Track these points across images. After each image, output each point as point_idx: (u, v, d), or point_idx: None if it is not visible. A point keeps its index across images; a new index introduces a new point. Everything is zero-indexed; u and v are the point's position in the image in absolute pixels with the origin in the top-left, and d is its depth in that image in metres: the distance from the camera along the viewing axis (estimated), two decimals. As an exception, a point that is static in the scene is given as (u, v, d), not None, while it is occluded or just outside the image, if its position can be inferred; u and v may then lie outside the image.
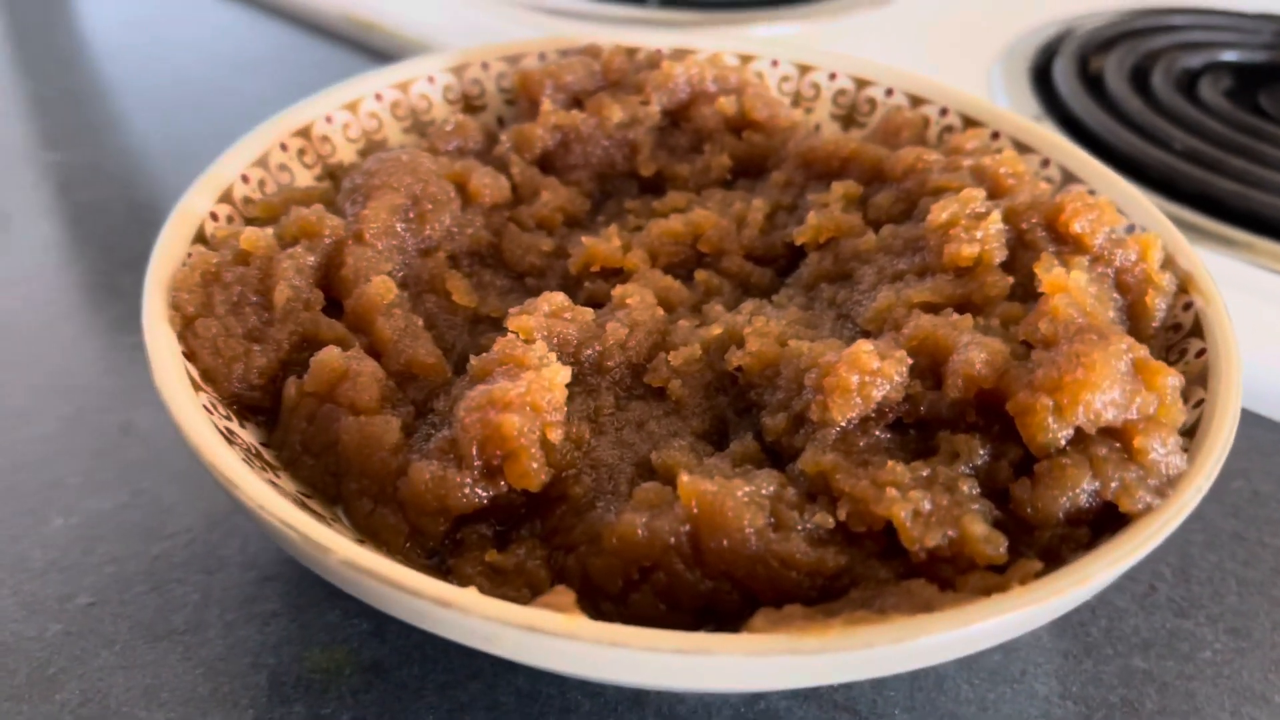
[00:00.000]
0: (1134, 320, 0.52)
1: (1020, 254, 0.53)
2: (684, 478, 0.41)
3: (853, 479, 0.42)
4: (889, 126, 0.68)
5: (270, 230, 0.52)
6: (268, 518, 0.39)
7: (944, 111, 0.69)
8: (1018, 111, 0.83)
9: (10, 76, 1.04)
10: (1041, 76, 1.00)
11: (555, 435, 0.43)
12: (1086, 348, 0.42)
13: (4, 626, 0.52)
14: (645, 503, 0.42)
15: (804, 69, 0.73)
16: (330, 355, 0.46)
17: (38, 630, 0.52)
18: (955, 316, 0.47)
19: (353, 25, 1.07)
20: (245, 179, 0.59)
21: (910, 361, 0.45)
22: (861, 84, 0.72)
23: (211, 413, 0.45)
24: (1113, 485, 0.41)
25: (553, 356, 0.46)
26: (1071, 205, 0.52)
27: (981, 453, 0.43)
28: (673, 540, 0.41)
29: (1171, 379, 0.43)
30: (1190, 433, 0.45)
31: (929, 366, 0.46)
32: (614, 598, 0.42)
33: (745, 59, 0.74)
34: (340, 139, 0.65)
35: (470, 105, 0.71)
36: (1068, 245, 0.52)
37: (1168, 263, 0.54)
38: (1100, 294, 0.51)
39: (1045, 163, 0.64)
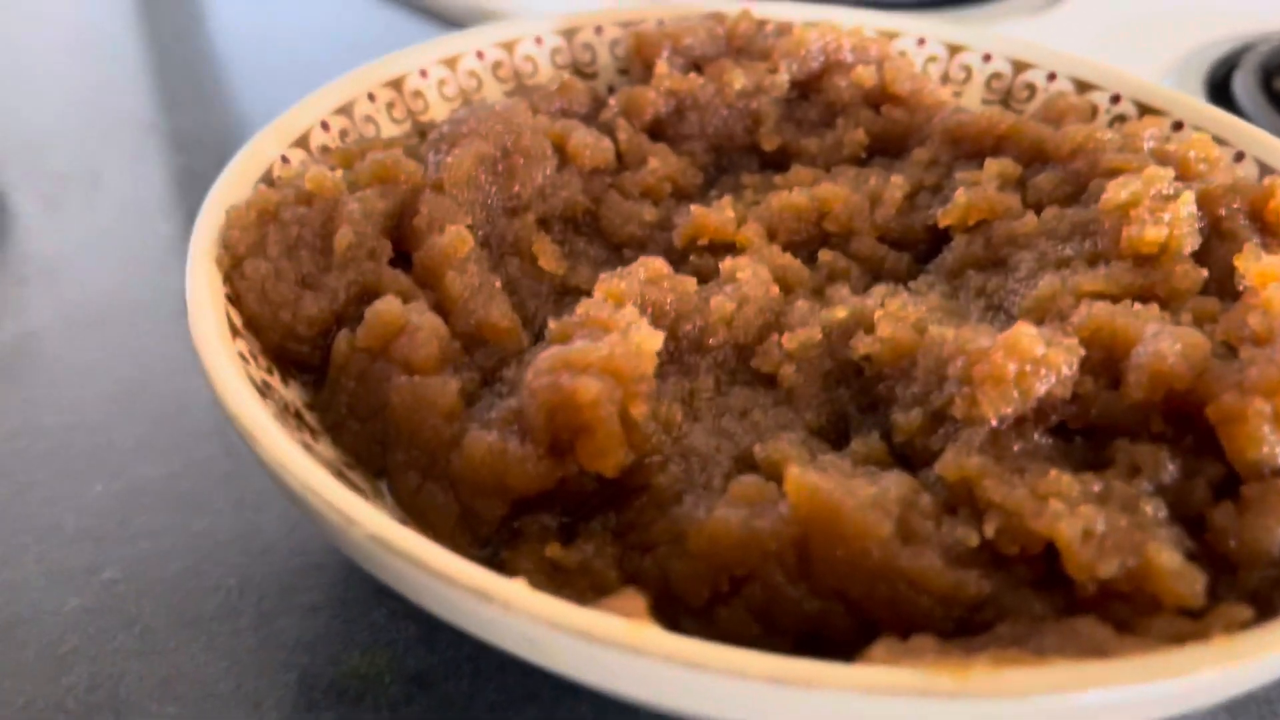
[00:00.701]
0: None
1: (1216, 245, 0.44)
2: (793, 470, 0.33)
3: (1005, 488, 0.33)
4: (1050, 113, 0.59)
5: (340, 172, 0.46)
6: (289, 480, 0.33)
7: (1115, 99, 0.60)
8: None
9: (131, 42, 1.02)
10: (1219, 91, 0.90)
11: (639, 410, 0.36)
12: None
13: (21, 596, 0.47)
14: (744, 498, 0.34)
15: (954, 49, 0.65)
16: (388, 305, 0.40)
17: (56, 604, 0.47)
18: (1138, 306, 0.39)
19: (477, 14, 1.02)
20: (325, 126, 0.53)
21: (1083, 352, 0.36)
22: (1020, 67, 0.63)
23: (248, 362, 0.39)
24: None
25: (644, 322, 0.38)
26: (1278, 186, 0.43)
27: (1170, 468, 0.34)
28: (775, 546, 0.33)
29: None
30: None
31: (1104, 361, 0.37)
32: (697, 612, 0.34)
33: (888, 35, 0.66)
34: (435, 95, 0.59)
35: (580, 72, 0.65)
36: (1274, 235, 0.43)
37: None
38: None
39: (1239, 156, 0.55)
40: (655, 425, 0.38)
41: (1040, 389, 0.35)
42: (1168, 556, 0.31)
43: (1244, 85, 0.88)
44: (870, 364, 0.41)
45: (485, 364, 0.42)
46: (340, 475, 0.36)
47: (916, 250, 0.51)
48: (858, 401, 0.42)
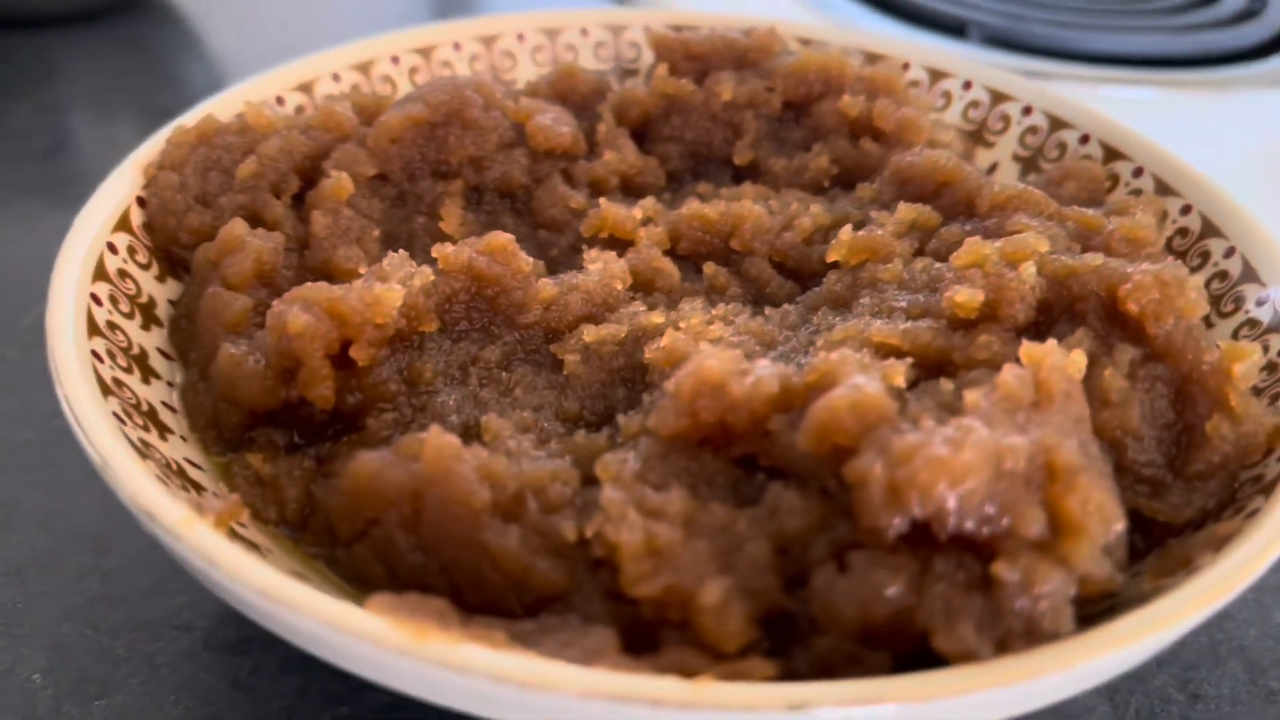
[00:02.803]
0: (1183, 448, 0.38)
1: (1061, 326, 0.40)
2: (434, 431, 0.35)
3: (621, 493, 0.33)
4: (1059, 171, 0.55)
5: (284, 112, 0.51)
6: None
7: (1138, 172, 0.55)
8: None
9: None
10: None
11: (361, 355, 0.39)
12: (972, 426, 0.31)
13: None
14: (405, 450, 0.36)
15: (998, 97, 0.61)
16: (233, 225, 0.45)
17: None
18: (887, 364, 0.37)
19: None
20: (336, 77, 0.59)
21: (773, 391, 0.35)
22: (1057, 124, 0.59)
23: (115, 251, 0.45)
24: (930, 610, 0.29)
25: (418, 284, 0.41)
26: (1138, 278, 0.39)
27: (800, 520, 0.33)
28: (394, 495, 0.35)
29: (1098, 509, 0.30)
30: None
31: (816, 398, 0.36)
32: (346, 544, 0.37)
33: (937, 75, 0.63)
34: (464, 68, 0.64)
35: (623, 69, 0.67)
36: (1121, 329, 0.39)
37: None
38: (1127, 398, 0.37)
39: (1230, 252, 0.49)
40: (397, 376, 0.41)
41: (707, 414, 0.35)
42: (713, 593, 0.30)
43: None
44: (649, 370, 0.42)
45: (322, 295, 0.46)
46: (136, 364, 0.42)
47: (814, 280, 0.50)
48: (628, 403, 0.42)
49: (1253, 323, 0.46)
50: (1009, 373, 0.34)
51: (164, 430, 0.40)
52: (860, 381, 0.34)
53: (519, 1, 1.12)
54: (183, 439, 0.41)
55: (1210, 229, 0.50)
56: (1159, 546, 0.37)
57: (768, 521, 0.33)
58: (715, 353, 0.36)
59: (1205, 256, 0.50)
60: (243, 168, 0.48)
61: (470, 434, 0.40)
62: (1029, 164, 0.60)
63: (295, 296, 0.39)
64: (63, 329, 0.39)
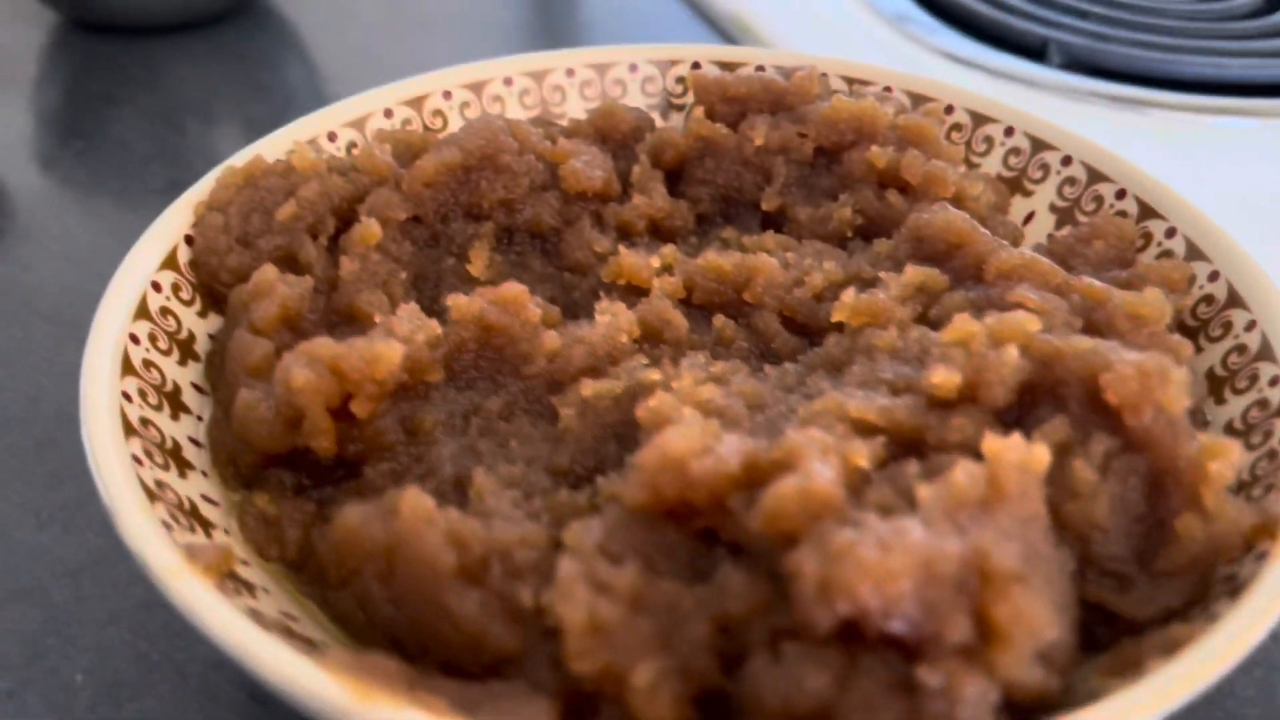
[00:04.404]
0: (1153, 544, 0.38)
1: (1043, 409, 0.41)
2: (411, 491, 0.37)
3: (577, 565, 0.35)
4: (1089, 228, 0.54)
5: (328, 156, 0.54)
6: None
7: (1171, 232, 0.54)
8: None
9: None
10: None
11: (361, 410, 0.41)
12: (909, 528, 0.32)
13: None
14: (388, 505, 0.39)
15: (1038, 144, 0.61)
16: (264, 271, 0.48)
17: None
18: (850, 445, 0.37)
19: (734, 20, 1.07)
20: (389, 113, 0.62)
21: (733, 470, 0.36)
22: (1095, 177, 0.58)
23: (159, 289, 0.49)
24: (850, 707, 0.31)
25: (421, 338, 0.43)
26: (1120, 368, 0.39)
27: (742, 604, 0.34)
28: (371, 549, 0.37)
29: (1024, 621, 0.31)
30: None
31: (775, 480, 0.37)
32: (334, 588, 0.40)
33: (980, 119, 0.63)
34: (514, 103, 0.66)
35: (669, 103, 0.68)
36: (1101, 416, 0.39)
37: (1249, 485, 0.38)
38: (1096, 490, 0.37)
39: (1251, 325, 0.48)
40: (397, 426, 0.43)
41: (668, 489, 0.36)
42: (644, 674, 0.32)
43: None
44: (640, 428, 0.43)
45: (339, 339, 0.49)
46: (169, 399, 0.46)
47: (819, 338, 0.50)
48: (618, 457, 0.44)
49: (1263, 403, 0.45)
50: (961, 470, 0.34)
51: (185, 466, 0.43)
52: (815, 469, 0.35)
53: (625, 24, 1.15)
54: (204, 474, 0.44)
55: (1235, 299, 0.49)
56: (1119, 641, 0.38)
57: (713, 601, 0.35)
58: (686, 426, 0.38)
59: (1227, 327, 0.49)
60: (281, 210, 0.51)
61: (460, 487, 0.42)
62: (1065, 215, 0.59)
63: (302, 351, 0.42)
64: (97, 370, 0.42)
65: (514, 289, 0.47)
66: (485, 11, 1.15)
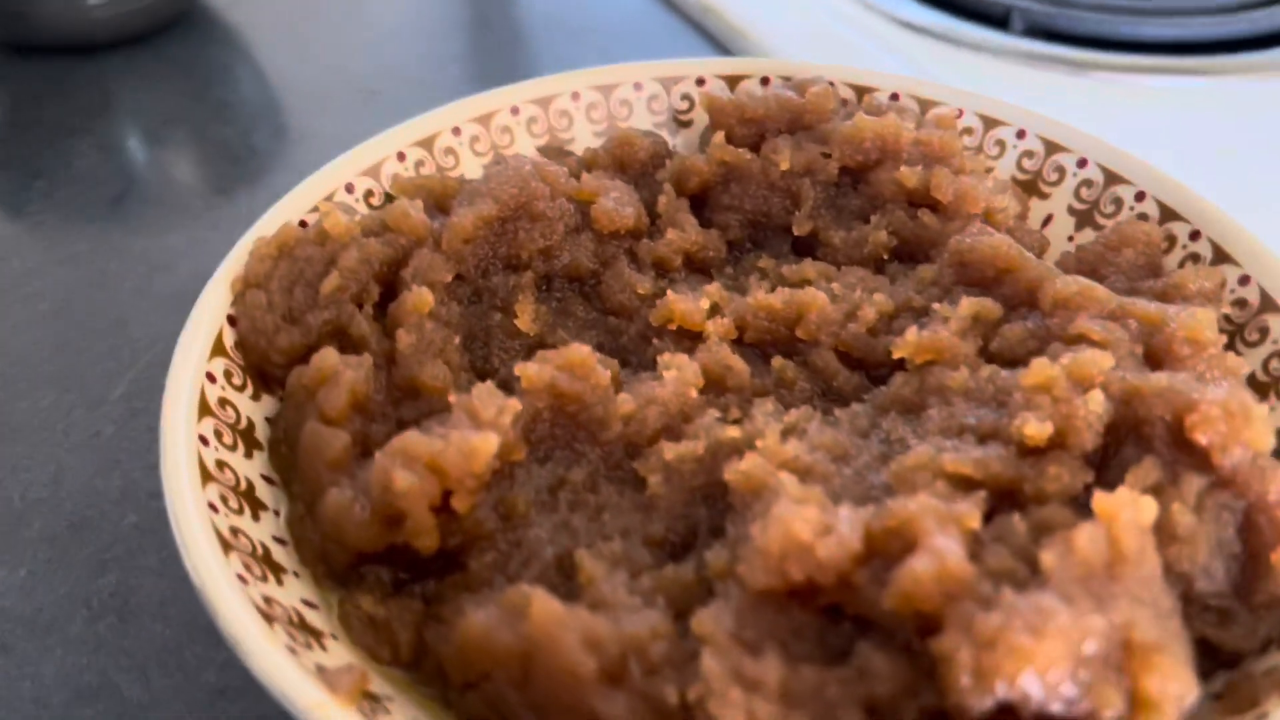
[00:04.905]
0: (1249, 577, 0.40)
1: (1128, 449, 0.42)
2: (539, 595, 0.37)
3: (719, 661, 0.36)
4: (1116, 236, 0.56)
5: (359, 218, 0.53)
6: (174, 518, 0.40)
7: (1195, 235, 0.55)
8: None
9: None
10: None
11: (462, 504, 0.41)
12: (1052, 608, 0.33)
13: None
14: (509, 604, 0.39)
15: (1051, 147, 0.62)
16: (326, 356, 0.47)
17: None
18: (961, 507, 0.38)
19: (692, 4, 1.06)
20: (401, 156, 0.61)
21: (857, 547, 0.37)
22: (1112, 179, 0.59)
23: (213, 380, 0.47)
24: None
25: (508, 420, 0.43)
26: (1206, 408, 0.40)
27: (888, 687, 0.35)
28: (503, 656, 0.37)
29: (1171, 685, 0.33)
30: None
31: (896, 557, 0.38)
32: (459, 690, 0.40)
33: (991, 122, 0.64)
34: (523, 132, 0.65)
35: (676, 120, 0.68)
36: (1187, 454, 0.41)
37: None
38: (1195, 532, 0.39)
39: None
40: (494, 513, 0.43)
41: (796, 574, 0.37)
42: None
43: None
44: (730, 491, 0.44)
45: (409, 416, 0.48)
46: (242, 493, 0.45)
47: (877, 371, 0.51)
48: (711, 523, 0.44)
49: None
50: (1083, 535, 0.35)
51: (279, 571, 0.43)
52: (943, 546, 0.36)
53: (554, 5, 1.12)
54: (295, 574, 0.44)
55: (1269, 304, 0.51)
56: (1223, 669, 0.40)
57: (857, 684, 0.36)
58: (798, 503, 0.38)
59: (1264, 332, 0.51)
60: (326, 283, 0.50)
61: (564, 568, 0.43)
62: (1084, 217, 0.60)
63: (397, 451, 0.41)
64: (181, 491, 0.41)
65: (580, 351, 0.47)
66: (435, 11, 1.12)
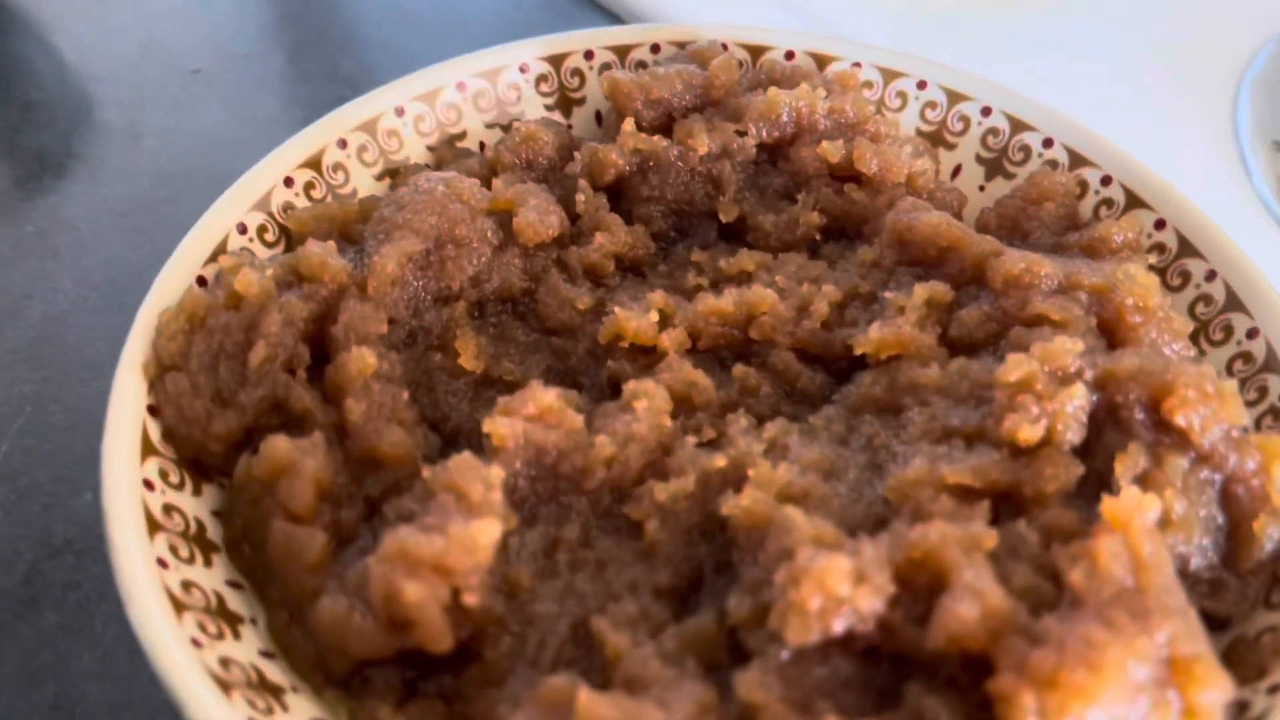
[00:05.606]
0: (1233, 546, 0.42)
1: (1109, 433, 0.43)
2: (583, 698, 0.36)
3: (779, 727, 0.36)
4: (1034, 189, 0.57)
5: (270, 272, 0.48)
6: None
7: (1106, 180, 0.57)
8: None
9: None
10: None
11: (471, 600, 0.39)
12: (1102, 639, 0.34)
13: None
14: (547, 702, 0.37)
15: (955, 97, 0.62)
16: (276, 446, 0.43)
17: (35, 618, 0.54)
18: (976, 529, 0.39)
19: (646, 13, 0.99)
20: (289, 181, 0.55)
21: (891, 590, 0.37)
22: (1018, 126, 0.60)
23: (152, 488, 0.43)
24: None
25: (497, 495, 0.41)
26: (1183, 391, 0.41)
27: (948, 727, 0.36)
28: (555, 760, 0.36)
29: (1213, 693, 0.34)
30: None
31: (917, 594, 0.38)
32: (498, 789, 0.38)
33: (890, 75, 0.63)
34: (411, 133, 0.60)
35: (567, 98, 0.64)
36: (1165, 433, 0.42)
37: (1301, 477, 0.42)
38: (1186, 514, 0.41)
39: (1211, 275, 0.52)
40: (498, 594, 0.41)
41: (838, 627, 0.37)
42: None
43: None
44: (730, 528, 0.43)
45: (374, 491, 0.45)
46: (212, 606, 0.41)
47: (836, 367, 0.51)
48: (715, 559, 0.44)
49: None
50: (1104, 550, 0.36)
51: (277, 693, 0.40)
52: (975, 581, 0.36)
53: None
54: (294, 689, 0.41)
55: (1187, 248, 0.53)
56: (1214, 632, 0.42)
57: (916, 729, 0.36)
58: (817, 544, 0.38)
59: (1186, 276, 0.53)
60: (253, 355, 0.46)
61: (579, 639, 0.41)
62: (994, 166, 0.61)
63: (395, 556, 0.38)
64: (160, 638, 0.38)
65: (547, 397, 0.45)
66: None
